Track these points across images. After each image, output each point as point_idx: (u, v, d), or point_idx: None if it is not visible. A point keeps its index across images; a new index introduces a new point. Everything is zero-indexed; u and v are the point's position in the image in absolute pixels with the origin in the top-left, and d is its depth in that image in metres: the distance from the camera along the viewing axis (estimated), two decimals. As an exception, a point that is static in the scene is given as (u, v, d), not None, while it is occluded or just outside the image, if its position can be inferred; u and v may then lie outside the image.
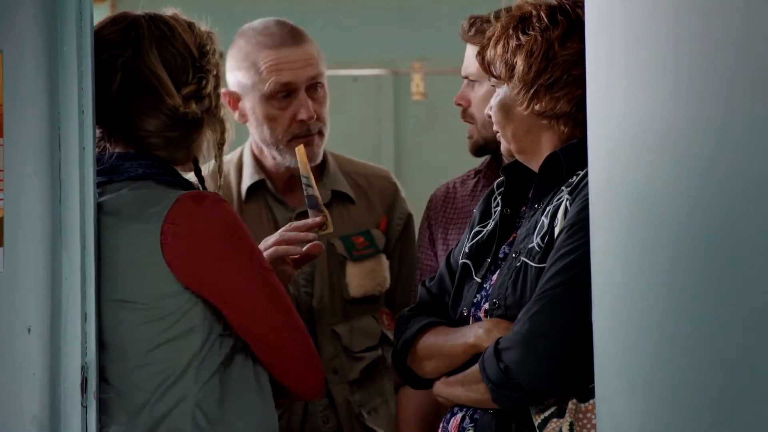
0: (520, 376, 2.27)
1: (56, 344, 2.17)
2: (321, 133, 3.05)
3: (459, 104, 2.98)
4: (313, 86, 3.04)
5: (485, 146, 2.96)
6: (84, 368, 2.18)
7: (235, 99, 3.06)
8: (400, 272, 3.19)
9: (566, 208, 2.33)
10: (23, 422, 2.12)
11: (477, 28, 2.91)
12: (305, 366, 2.36)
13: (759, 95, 1.73)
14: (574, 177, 2.37)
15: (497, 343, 2.31)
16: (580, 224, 2.27)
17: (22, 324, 2.13)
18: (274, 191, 3.09)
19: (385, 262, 3.10)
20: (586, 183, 2.25)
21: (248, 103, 3.05)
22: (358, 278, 3.01)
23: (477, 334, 2.39)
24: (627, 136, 1.94)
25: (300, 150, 2.63)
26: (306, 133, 3.02)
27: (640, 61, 1.92)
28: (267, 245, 2.62)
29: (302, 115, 3.01)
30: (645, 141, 1.91)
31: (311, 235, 2.66)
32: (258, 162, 3.10)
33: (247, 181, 3.09)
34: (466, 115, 2.97)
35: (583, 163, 2.26)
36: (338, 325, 3.03)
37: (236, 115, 3.06)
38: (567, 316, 2.25)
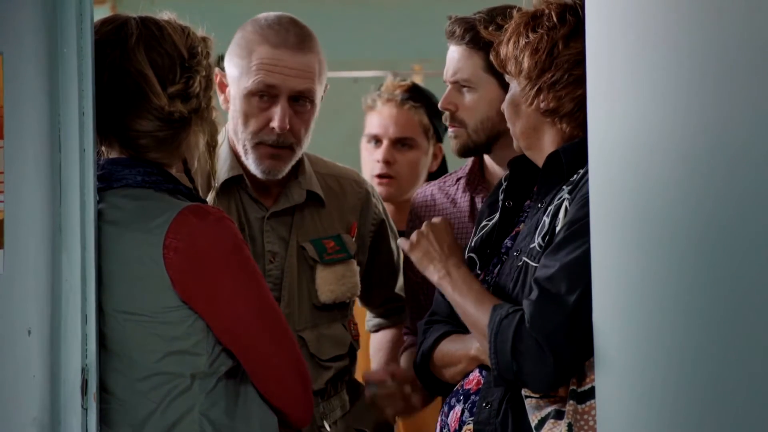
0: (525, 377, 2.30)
1: (56, 346, 2.16)
2: (291, 149, 2.89)
3: (447, 109, 2.93)
4: (301, 99, 2.89)
5: (475, 149, 2.93)
6: (84, 370, 2.17)
7: (224, 82, 2.93)
8: (376, 274, 3.10)
9: (566, 208, 2.35)
10: (23, 424, 2.12)
11: (466, 28, 2.91)
12: (293, 392, 2.33)
13: (759, 94, 1.73)
14: (575, 176, 2.39)
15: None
16: (578, 224, 2.29)
17: (23, 326, 2.13)
18: (250, 189, 2.94)
19: (355, 268, 2.99)
20: (586, 181, 2.26)
21: (232, 91, 2.91)
22: (328, 283, 2.90)
23: (477, 346, 2.42)
24: (627, 136, 1.94)
25: None
26: (274, 144, 2.87)
27: (640, 61, 1.92)
28: None
29: (274, 123, 2.86)
30: (645, 141, 1.91)
31: None
32: (236, 156, 2.95)
33: (223, 175, 2.91)
34: (455, 119, 2.90)
35: (583, 161, 2.27)
36: (305, 331, 2.90)
37: (221, 98, 2.92)
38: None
